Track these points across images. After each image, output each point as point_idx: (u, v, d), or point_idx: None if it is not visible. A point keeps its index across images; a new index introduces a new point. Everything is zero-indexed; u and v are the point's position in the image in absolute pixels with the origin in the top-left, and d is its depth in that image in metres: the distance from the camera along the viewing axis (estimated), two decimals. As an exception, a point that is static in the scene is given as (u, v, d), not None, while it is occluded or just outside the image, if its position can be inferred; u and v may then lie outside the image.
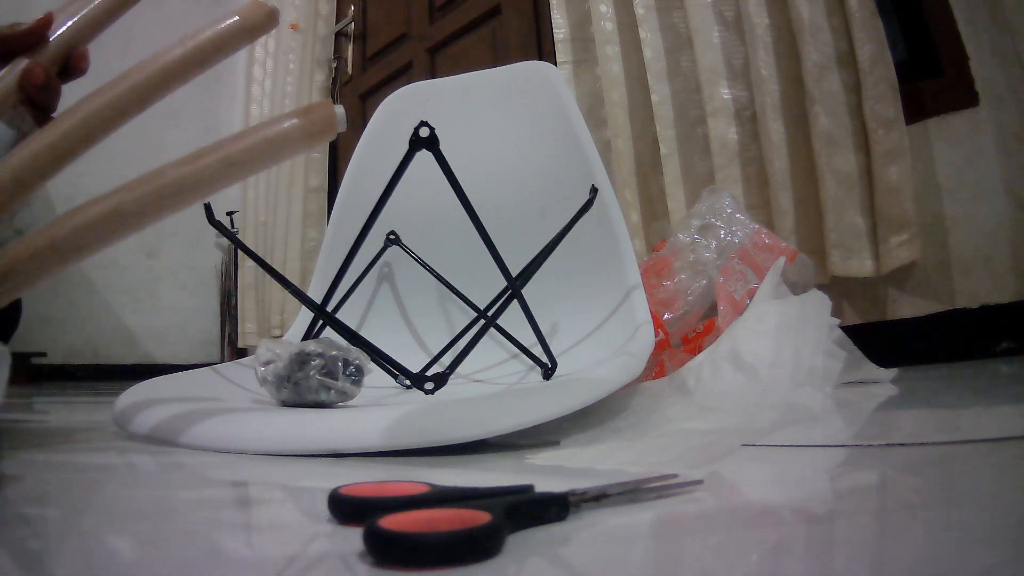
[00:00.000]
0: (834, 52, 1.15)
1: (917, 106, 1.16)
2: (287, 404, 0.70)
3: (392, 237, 1.08)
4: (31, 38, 0.51)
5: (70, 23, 0.52)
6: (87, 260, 0.45)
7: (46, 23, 0.51)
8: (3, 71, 0.50)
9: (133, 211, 0.44)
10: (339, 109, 0.46)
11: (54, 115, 0.51)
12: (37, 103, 0.50)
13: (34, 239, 0.43)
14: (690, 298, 0.95)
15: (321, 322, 0.84)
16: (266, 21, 0.53)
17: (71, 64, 0.53)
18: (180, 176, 0.45)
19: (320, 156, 2.51)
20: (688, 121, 1.37)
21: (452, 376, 0.66)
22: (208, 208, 0.74)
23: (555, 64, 1.52)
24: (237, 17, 0.52)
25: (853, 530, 0.30)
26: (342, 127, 0.46)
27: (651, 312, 0.77)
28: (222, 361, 2.08)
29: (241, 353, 2.71)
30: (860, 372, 0.82)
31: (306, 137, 0.46)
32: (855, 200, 1.14)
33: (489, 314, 0.83)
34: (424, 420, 0.56)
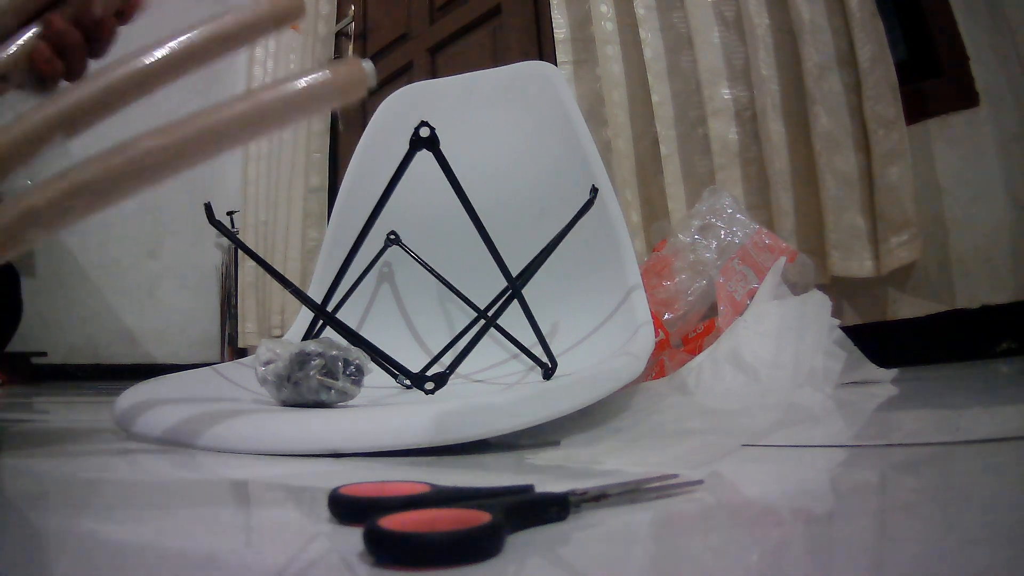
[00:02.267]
0: (834, 52, 1.15)
1: (917, 106, 1.16)
2: (287, 404, 0.70)
3: (392, 237, 1.08)
4: None
5: None
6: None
7: None
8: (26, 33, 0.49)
9: (148, 164, 0.42)
10: (367, 64, 0.45)
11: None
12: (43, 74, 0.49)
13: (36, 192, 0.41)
14: (690, 298, 0.95)
15: (321, 322, 0.84)
16: (294, 9, 0.53)
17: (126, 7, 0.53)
18: (201, 127, 0.43)
19: (320, 156, 2.51)
20: (688, 121, 1.37)
21: (452, 376, 0.66)
22: (208, 208, 0.74)
23: (555, 64, 1.52)
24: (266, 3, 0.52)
25: (853, 530, 0.30)
26: (372, 83, 0.45)
27: (651, 312, 0.77)
28: (222, 361, 2.08)
29: (241, 353, 2.71)
30: (860, 372, 0.82)
31: (336, 93, 0.45)
32: (855, 200, 1.14)
33: (489, 314, 0.83)
34: (424, 420, 0.56)
